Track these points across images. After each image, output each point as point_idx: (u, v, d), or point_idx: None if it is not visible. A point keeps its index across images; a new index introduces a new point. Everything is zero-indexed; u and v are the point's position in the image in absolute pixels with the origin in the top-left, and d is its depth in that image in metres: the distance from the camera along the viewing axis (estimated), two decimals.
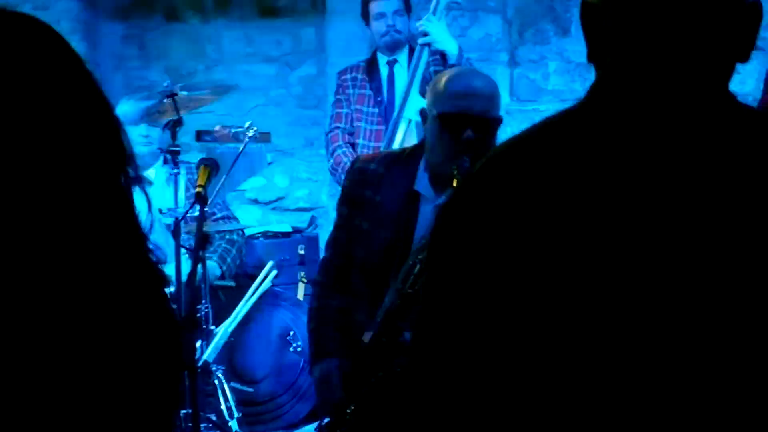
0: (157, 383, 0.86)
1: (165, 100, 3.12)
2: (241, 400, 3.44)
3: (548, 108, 4.40)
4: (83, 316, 0.80)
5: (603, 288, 0.84)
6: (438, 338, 0.91)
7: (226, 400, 3.22)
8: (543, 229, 0.85)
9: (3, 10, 0.83)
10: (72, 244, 0.80)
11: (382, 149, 3.45)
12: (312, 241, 4.28)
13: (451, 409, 0.90)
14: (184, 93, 3.18)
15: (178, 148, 3.16)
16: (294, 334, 3.69)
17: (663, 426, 0.84)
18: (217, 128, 3.51)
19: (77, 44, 4.19)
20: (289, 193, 4.97)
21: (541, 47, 4.44)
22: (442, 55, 3.44)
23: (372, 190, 2.12)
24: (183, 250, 2.99)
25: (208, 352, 3.23)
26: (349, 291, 2.14)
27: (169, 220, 3.04)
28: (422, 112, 2.14)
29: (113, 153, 0.86)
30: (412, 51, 3.53)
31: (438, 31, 3.37)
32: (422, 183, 2.09)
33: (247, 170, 3.57)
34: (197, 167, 3.09)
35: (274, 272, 3.75)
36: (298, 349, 3.66)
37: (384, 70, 3.69)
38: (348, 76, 3.74)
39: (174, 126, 3.16)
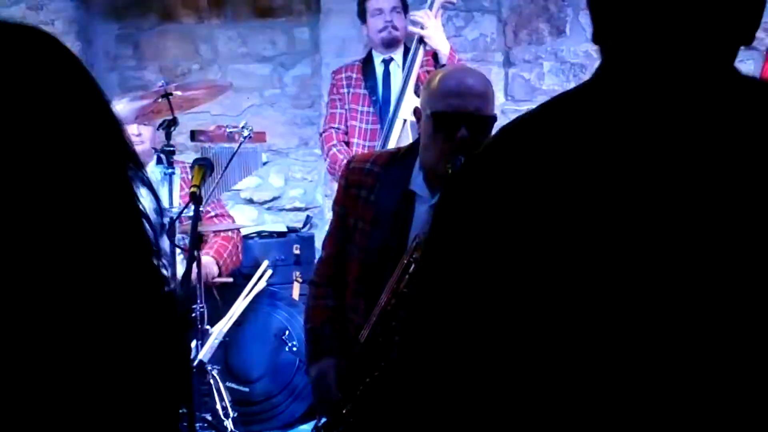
0: (164, 383, 0.87)
1: (160, 100, 3.12)
2: (237, 400, 3.44)
3: None
4: (88, 317, 0.80)
5: (606, 283, 0.83)
6: (429, 334, 0.90)
7: (221, 399, 3.22)
8: (545, 218, 0.84)
9: (13, 23, 0.86)
10: (77, 244, 0.81)
11: (377, 149, 3.45)
12: (307, 241, 4.28)
13: (441, 408, 0.89)
14: (179, 93, 3.18)
15: (172, 148, 3.16)
16: (289, 333, 3.69)
17: (662, 426, 0.83)
18: (211, 128, 3.50)
19: (71, 44, 4.16)
20: (284, 192, 4.98)
21: (536, 47, 4.45)
22: (434, 55, 3.45)
23: (367, 189, 2.11)
24: (178, 250, 2.99)
25: (204, 352, 3.23)
26: (345, 291, 2.14)
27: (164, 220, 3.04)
28: (416, 111, 2.13)
29: (116, 154, 0.87)
30: (407, 51, 3.53)
31: (433, 28, 3.37)
32: (417, 182, 2.08)
33: (242, 170, 3.56)
34: (192, 167, 3.09)
35: (270, 272, 3.76)
36: (294, 349, 3.66)
37: (379, 69, 3.69)
38: (343, 75, 3.74)
39: (169, 126, 3.16)
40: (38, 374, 0.78)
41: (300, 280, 4.04)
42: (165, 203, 3.14)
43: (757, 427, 0.83)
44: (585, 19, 4.36)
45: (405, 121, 3.38)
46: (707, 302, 0.82)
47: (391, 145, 3.38)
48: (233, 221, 3.76)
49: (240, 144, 3.36)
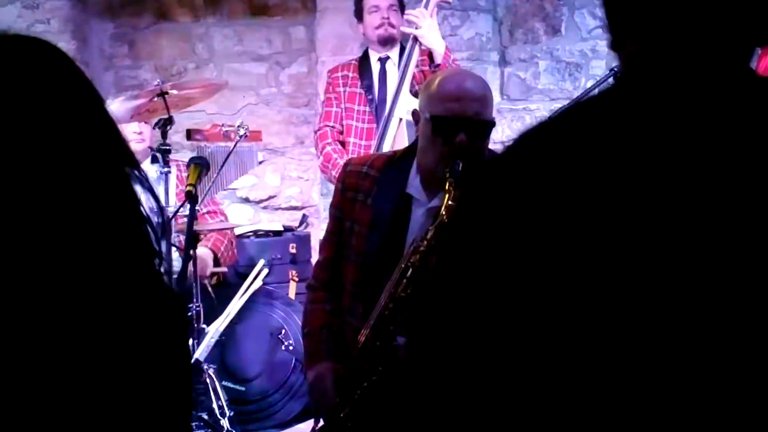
0: (167, 385, 0.87)
1: (155, 99, 3.12)
2: (233, 399, 3.44)
3: (539, 107, 4.41)
4: (92, 320, 0.80)
5: (636, 295, 0.81)
6: (439, 337, 0.88)
7: (217, 398, 3.22)
8: (574, 230, 0.82)
9: (18, 35, 0.87)
10: (79, 247, 0.81)
11: (373, 147, 3.46)
12: (303, 240, 4.28)
13: (449, 412, 0.89)
14: (175, 92, 3.18)
15: (168, 147, 3.16)
16: (285, 332, 3.69)
17: (665, 427, 0.83)
18: (207, 127, 3.50)
19: (67, 43, 4.17)
20: (280, 191, 4.98)
21: (532, 46, 4.46)
22: (429, 54, 3.45)
23: (364, 193, 2.11)
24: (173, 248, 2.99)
25: (200, 351, 3.23)
26: (343, 294, 2.13)
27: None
28: (414, 114, 2.11)
29: (116, 159, 0.87)
30: (403, 50, 3.53)
31: (428, 27, 3.38)
32: (414, 185, 2.07)
33: (238, 169, 3.56)
34: (188, 166, 3.09)
35: (266, 271, 3.75)
36: (290, 348, 3.66)
37: (375, 68, 3.69)
38: (339, 74, 3.74)
39: (164, 125, 3.16)
40: (42, 376, 0.78)
41: (296, 279, 4.04)
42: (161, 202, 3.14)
43: (758, 428, 0.82)
44: (580, 19, 4.37)
45: (401, 120, 3.38)
46: (742, 322, 0.81)
47: (387, 143, 3.38)
48: (226, 218, 3.76)
49: (236, 143, 3.36)
